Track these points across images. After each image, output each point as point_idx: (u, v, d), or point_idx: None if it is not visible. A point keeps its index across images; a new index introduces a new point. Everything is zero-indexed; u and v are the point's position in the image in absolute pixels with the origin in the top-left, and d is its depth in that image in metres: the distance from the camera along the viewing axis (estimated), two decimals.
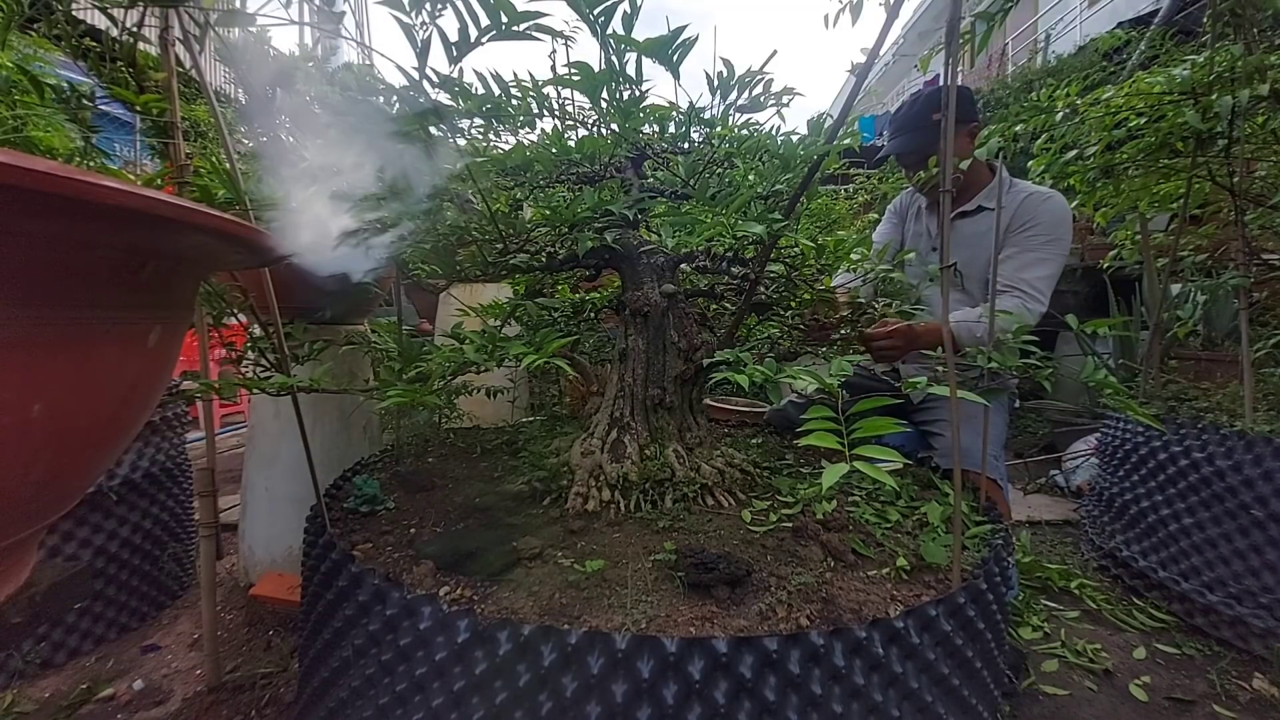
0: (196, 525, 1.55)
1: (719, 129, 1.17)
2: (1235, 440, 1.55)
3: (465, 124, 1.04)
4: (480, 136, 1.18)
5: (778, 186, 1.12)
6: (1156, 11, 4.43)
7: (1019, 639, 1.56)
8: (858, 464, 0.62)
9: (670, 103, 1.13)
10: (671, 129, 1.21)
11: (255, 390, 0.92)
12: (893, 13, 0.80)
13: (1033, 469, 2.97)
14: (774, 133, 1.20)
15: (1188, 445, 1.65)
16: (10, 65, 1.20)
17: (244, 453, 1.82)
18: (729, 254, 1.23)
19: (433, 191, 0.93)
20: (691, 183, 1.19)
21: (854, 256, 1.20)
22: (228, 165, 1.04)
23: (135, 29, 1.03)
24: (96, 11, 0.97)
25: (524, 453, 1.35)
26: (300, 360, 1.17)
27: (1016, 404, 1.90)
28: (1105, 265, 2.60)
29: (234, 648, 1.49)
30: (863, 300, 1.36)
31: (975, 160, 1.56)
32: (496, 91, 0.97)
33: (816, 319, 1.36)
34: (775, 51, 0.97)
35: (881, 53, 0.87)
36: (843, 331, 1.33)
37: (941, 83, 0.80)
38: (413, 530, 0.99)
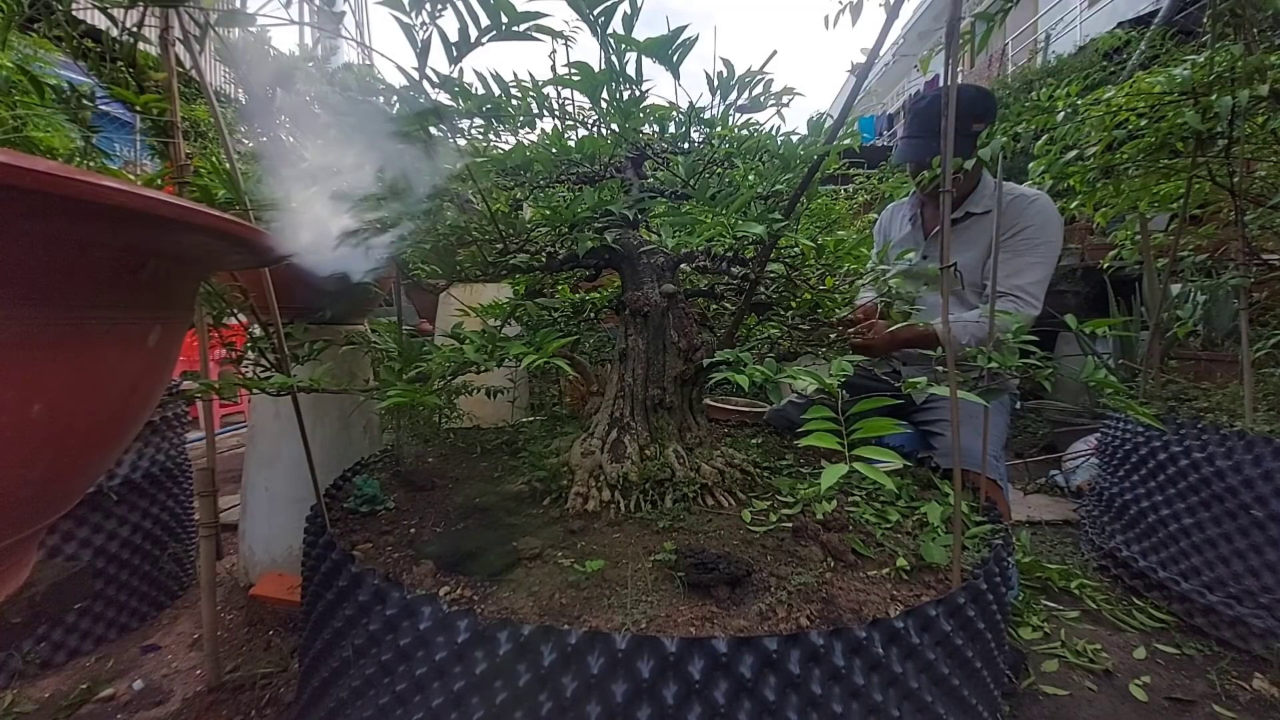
0: (196, 525, 1.55)
1: (719, 129, 1.17)
2: (1235, 440, 1.55)
3: (465, 124, 1.04)
4: (480, 136, 1.18)
5: (778, 186, 1.12)
6: (1156, 11, 4.43)
7: (1019, 639, 1.56)
8: (857, 464, 0.62)
9: (670, 103, 1.13)
10: (671, 129, 1.21)
11: (255, 390, 0.92)
12: (893, 13, 0.80)
13: (1033, 469, 2.96)
14: (774, 133, 1.20)
15: (1188, 445, 1.65)
16: (10, 65, 1.20)
17: (244, 453, 1.82)
18: (729, 254, 1.23)
19: (433, 191, 0.93)
20: (691, 183, 1.19)
21: (868, 269, 1.20)
22: (228, 165, 1.04)
23: (135, 29, 1.02)
24: (96, 11, 0.97)
25: (524, 453, 1.34)
26: (300, 360, 1.17)
27: (1018, 405, 1.90)
28: (1105, 265, 2.59)
29: (234, 648, 1.49)
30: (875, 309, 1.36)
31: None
32: (496, 91, 0.97)
33: (822, 321, 1.36)
34: (775, 51, 0.98)
35: (881, 53, 0.87)
36: (849, 334, 1.33)
37: (942, 83, 0.80)
38: (413, 530, 0.99)
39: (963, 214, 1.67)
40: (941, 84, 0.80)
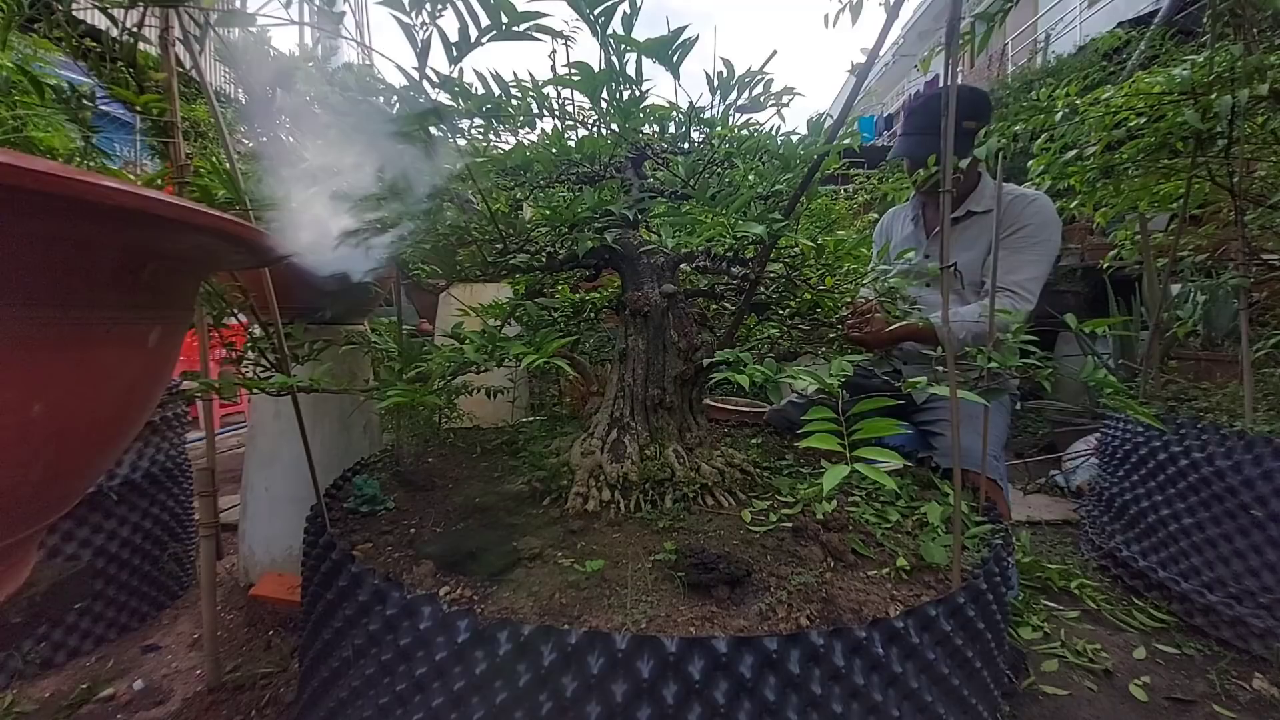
0: (196, 525, 1.55)
1: (719, 129, 1.17)
2: (1235, 440, 1.55)
3: (465, 124, 1.04)
4: (480, 136, 1.18)
5: (778, 186, 1.12)
6: (1156, 11, 4.42)
7: (1019, 639, 1.56)
8: (857, 465, 0.62)
9: (670, 103, 1.13)
10: (671, 129, 1.21)
11: (255, 390, 0.92)
12: (893, 13, 0.80)
13: (1033, 469, 2.96)
14: (774, 133, 1.20)
15: (1188, 445, 1.65)
16: (10, 65, 1.20)
17: (244, 453, 1.82)
18: (729, 254, 1.23)
19: (433, 191, 0.93)
20: (691, 183, 1.19)
21: (868, 268, 1.20)
22: (228, 165, 1.04)
23: (135, 29, 1.03)
24: (96, 11, 0.97)
25: (524, 453, 1.35)
26: (300, 360, 1.17)
27: (1018, 405, 1.90)
28: (1105, 265, 2.60)
29: (234, 648, 1.49)
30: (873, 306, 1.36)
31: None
32: (496, 91, 0.97)
33: (822, 321, 1.36)
34: (775, 51, 0.98)
35: (881, 53, 0.87)
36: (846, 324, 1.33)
37: (942, 83, 0.80)
38: (413, 530, 0.99)
39: (964, 212, 1.68)
40: (941, 84, 0.80)
